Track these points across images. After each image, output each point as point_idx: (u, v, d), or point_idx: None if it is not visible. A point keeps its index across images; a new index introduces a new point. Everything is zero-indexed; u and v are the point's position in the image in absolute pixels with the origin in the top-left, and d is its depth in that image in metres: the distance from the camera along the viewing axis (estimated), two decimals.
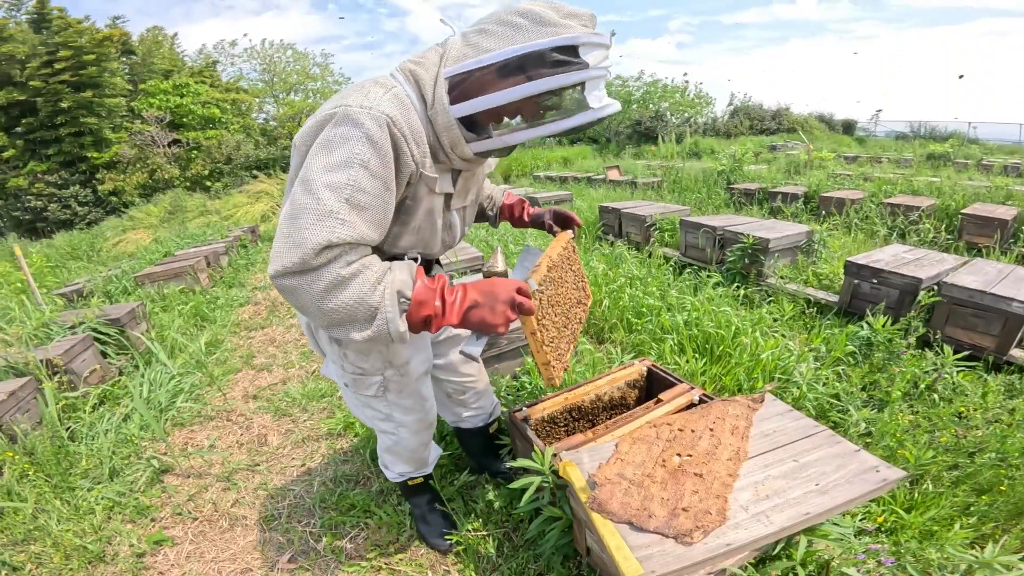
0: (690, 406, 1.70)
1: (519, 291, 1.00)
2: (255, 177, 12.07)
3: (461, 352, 1.05)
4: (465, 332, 1.59)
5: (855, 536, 1.41)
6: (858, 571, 1.22)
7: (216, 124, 16.61)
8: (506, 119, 1.01)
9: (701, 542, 0.99)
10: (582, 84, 0.94)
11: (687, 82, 21.17)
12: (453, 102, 0.97)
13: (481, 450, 1.89)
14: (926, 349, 2.76)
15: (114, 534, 1.82)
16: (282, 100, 21.12)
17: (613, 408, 1.93)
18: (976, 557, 1.17)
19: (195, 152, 15.45)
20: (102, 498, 1.96)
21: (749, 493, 1.14)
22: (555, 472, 1.33)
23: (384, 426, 1.46)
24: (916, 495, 1.75)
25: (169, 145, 15.21)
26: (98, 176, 15.12)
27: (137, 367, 3.12)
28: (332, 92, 21.87)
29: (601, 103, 0.98)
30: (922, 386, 2.46)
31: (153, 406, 2.61)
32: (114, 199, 14.68)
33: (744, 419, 1.41)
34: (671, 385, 1.82)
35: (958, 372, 2.50)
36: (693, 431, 1.34)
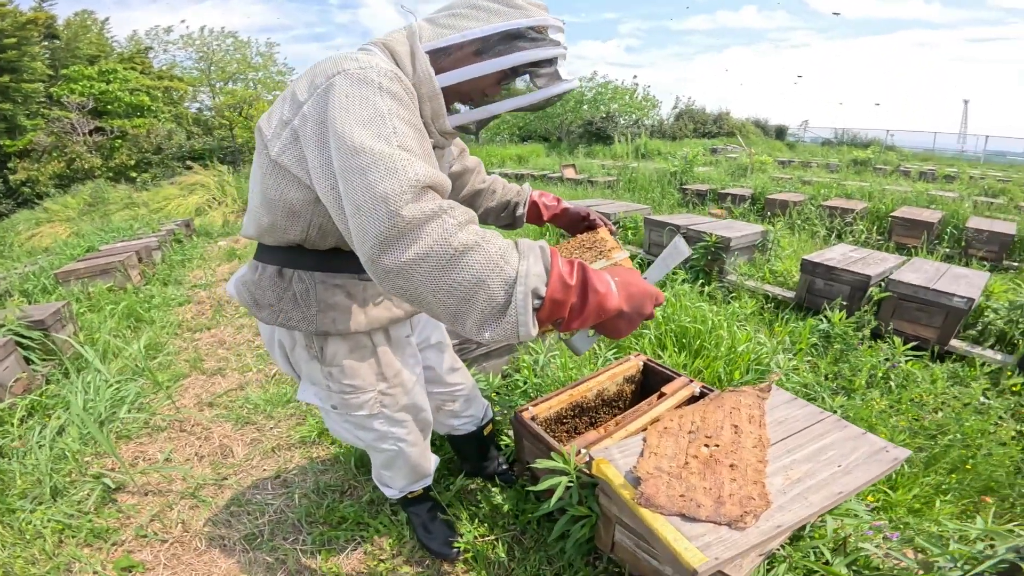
0: (692, 399, 1.71)
1: (656, 303, 0.89)
2: (189, 168, 11.21)
3: (565, 342, 0.93)
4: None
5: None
6: (872, 545, 1.26)
7: (144, 112, 15.41)
8: (484, 95, 1.03)
9: (754, 526, 0.98)
10: (555, 59, 1.01)
11: (636, 84, 21.80)
12: (437, 73, 0.97)
13: (476, 454, 1.80)
14: (878, 340, 2.96)
15: (71, 560, 1.59)
16: (220, 89, 19.85)
17: (611, 403, 1.91)
18: (978, 528, 1.23)
19: (119, 141, 14.23)
20: (49, 520, 1.71)
21: (780, 478, 1.15)
22: (580, 471, 1.29)
23: (382, 445, 1.33)
24: (895, 476, 1.84)
25: (90, 133, 13.93)
26: (10, 165, 13.65)
27: (67, 374, 2.78)
28: (275, 82, 20.79)
29: (570, 76, 1.05)
30: (878, 375, 2.62)
31: (93, 417, 2.32)
32: (27, 190, 13.29)
33: (757, 408, 1.43)
34: (667, 379, 1.82)
35: (907, 361, 2.68)
36: (713, 422, 1.34)
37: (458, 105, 1.04)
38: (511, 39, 0.96)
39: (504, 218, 1.51)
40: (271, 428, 2.37)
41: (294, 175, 0.94)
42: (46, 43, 16.59)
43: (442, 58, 0.98)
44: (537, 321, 0.76)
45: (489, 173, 1.51)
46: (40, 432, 2.13)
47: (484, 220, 1.49)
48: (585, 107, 20.40)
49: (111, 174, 13.54)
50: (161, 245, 5.88)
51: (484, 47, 0.97)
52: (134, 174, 13.64)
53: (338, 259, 1.08)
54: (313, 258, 1.08)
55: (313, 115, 0.87)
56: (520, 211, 1.49)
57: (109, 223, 8.47)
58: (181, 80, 18.67)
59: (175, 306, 4.23)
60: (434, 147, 1.06)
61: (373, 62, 0.88)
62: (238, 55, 20.29)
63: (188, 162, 12.38)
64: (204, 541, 1.69)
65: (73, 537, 1.69)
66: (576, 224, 1.46)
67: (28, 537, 1.66)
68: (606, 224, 1.42)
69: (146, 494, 1.93)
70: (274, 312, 1.09)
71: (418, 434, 1.38)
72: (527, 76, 1.02)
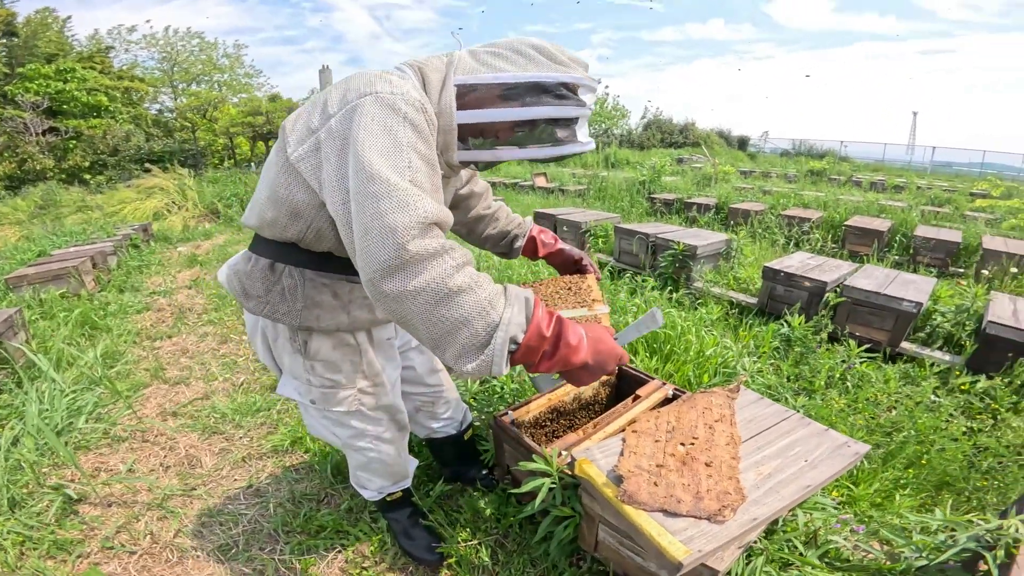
0: (665, 400, 1.76)
1: (619, 361, 0.99)
2: (148, 171, 10.79)
3: (530, 378, 1.04)
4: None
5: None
6: (841, 538, 1.33)
7: (102, 113, 14.83)
8: (496, 138, 1.05)
9: (732, 519, 1.03)
10: (577, 119, 1.04)
11: (607, 94, 22.23)
12: (459, 109, 1.01)
13: (456, 458, 1.81)
14: (834, 343, 3.11)
15: (35, 572, 1.51)
16: (183, 90, 19.27)
17: (588, 407, 1.94)
18: (939, 519, 1.32)
19: (74, 142, 13.59)
20: (8, 532, 1.63)
21: (752, 473, 1.21)
22: (562, 472, 1.31)
23: (359, 443, 1.35)
24: (856, 472, 1.94)
25: (44, 133, 13.26)
26: None
27: (19, 383, 2.64)
28: (241, 84, 20.31)
29: (586, 139, 1.08)
30: (836, 376, 2.75)
31: (49, 427, 2.21)
32: None
33: (728, 408, 1.49)
34: (641, 382, 1.87)
35: (861, 363, 2.83)
36: (687, 422, 1.39)
37: (472, 140, 1.05)
38: (539, 91, 0.99)
39: (502, 247, 1.56)
40: (240, 437, 2.31)
41: (306, 180, 0.98)
42: (4, 40, 16.02)
43: (470, 93, 1.01)
44: (511, 361, 0.86)
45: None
46: None
47: (482, 245, 1.55)
48: None
49: (64, 176, 12.93)
50: (117, 250, 5.65)
51: (511, 93, 0.99)
52: (88, 176, 13.05)
53: (329, 261, 1.12)
54: (306, 256, 1.11)
55: (338, 131, 0.91)
56: (518, 243, 1.55)
57: (61, 227, 8.08)
58: (142, 81, 18.07)
59: (133, 314, 4.08)
60: (442, 176, 1.09)
61: (404, 88, 0.92)
62: (203, 56, 19.79)
63: (147, 164, 11.92)
64: (175, 552, 1.63)
65: (35, 549, 1.61)
66: (568, 265, 1.54)
67: None
68: (595, 272, 1.49)
69: (110, 505, 1.85)
70: (261, 303, 1.12)
71: (395, 433, 1.40)
72: (545, 129, 1.03)
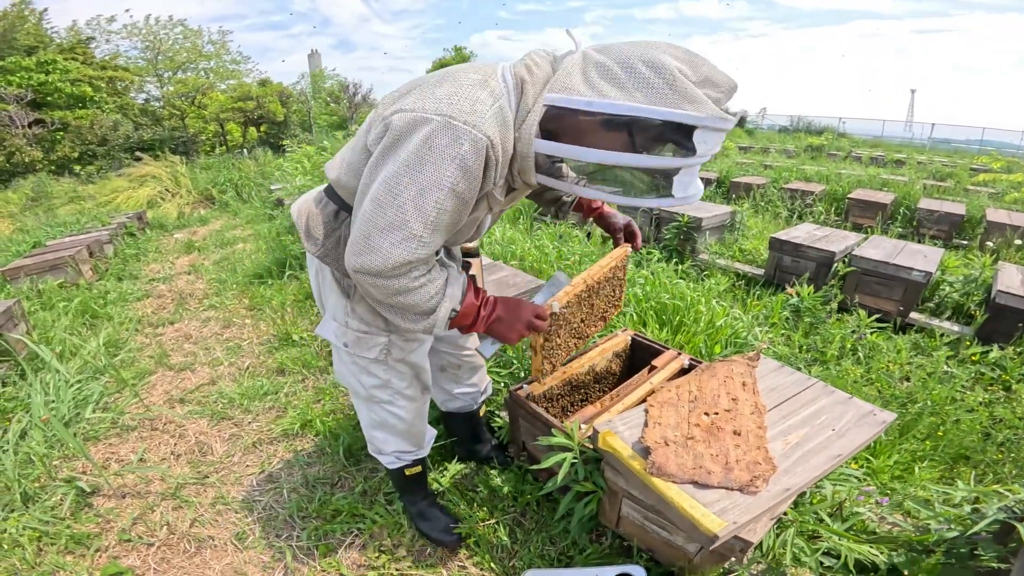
0: (681, 371, 1.73)
1: (537, 316, 1.17)
2: (139, 160, 10.62)
3: (477, 351, 1.25)
4: None
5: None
6: (867, 510, 1.31)
7: (87, 103, 14.56)
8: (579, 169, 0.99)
9: (764, 490, 1.01)
10: (677, 170, 0.89)
11: None
12: (542, 135, 0.93)
13: (471, 435, 1.80)
14: (844, 314, 3.09)
15: (55, 569, 1.50)
16: (169, 79, 18.93)
17: (601, 379, 1.92)
18: (963, 490, 1.30)
19: (61, 133, 13.39)
20: (24, 528, 1.61)
21: (780, 443, 1.18)
22: (583, 446, 1.29)
23: (381, 395, 1.34)
24: (875, 444, 1.92)
25: (30, 126, 13.05)
26: None
27: (23, 375, 2.61)
28: (228, 71, 19.96)
29: (685, 192, 0.92)
30: (847, 346, 2.73)
31: (57, 418, 2.19)
32: None
33: (749, 376, 1.46)
34: (655, 353, 1.84)
35: (872, 333, 2.80)
36: (710, 391, 1.36)
37: (558, 165, 1.01)
38: (637, 130, 0.84)
39: (551, 210, 1.59)
40: (249, 422, 2.29)
41: None
42: None
43: (561, 117, 0.90)
44: (448, 325, 1.09)
45: None
46: (2, 436, 1.99)
47: (537, 203, 1.61)
48: None
49: (53, 168, 12.76)
50: (112, 239, 5.57)
51: (608, 125, 0.86)
52: (78, 167, 12.88)
53: None
54: None
55: (398, 129, 0.93)
56: (564, 209, 1.57)
57: (55, 218, 7.98)
58: (126, 70, 17.68)
59: (133, 301, 4.04)
60: (512, 189, 1.11)
61: (480, 119, 0.88)
62: (188, 44, 19.35)
63: (137, 153, 11.76)
64: (193, 543, 1.62)
65: (53, 544, 1.59)
66: (608, 230, 1.57)
67: (5, 546, 1.56)
68: (632, 244, 1.54)
69: (123, 496, 1.83)
70: (317, 245, 1.19)
71: (417, 392, 1.39)
72: (636, 174, 0.93)
